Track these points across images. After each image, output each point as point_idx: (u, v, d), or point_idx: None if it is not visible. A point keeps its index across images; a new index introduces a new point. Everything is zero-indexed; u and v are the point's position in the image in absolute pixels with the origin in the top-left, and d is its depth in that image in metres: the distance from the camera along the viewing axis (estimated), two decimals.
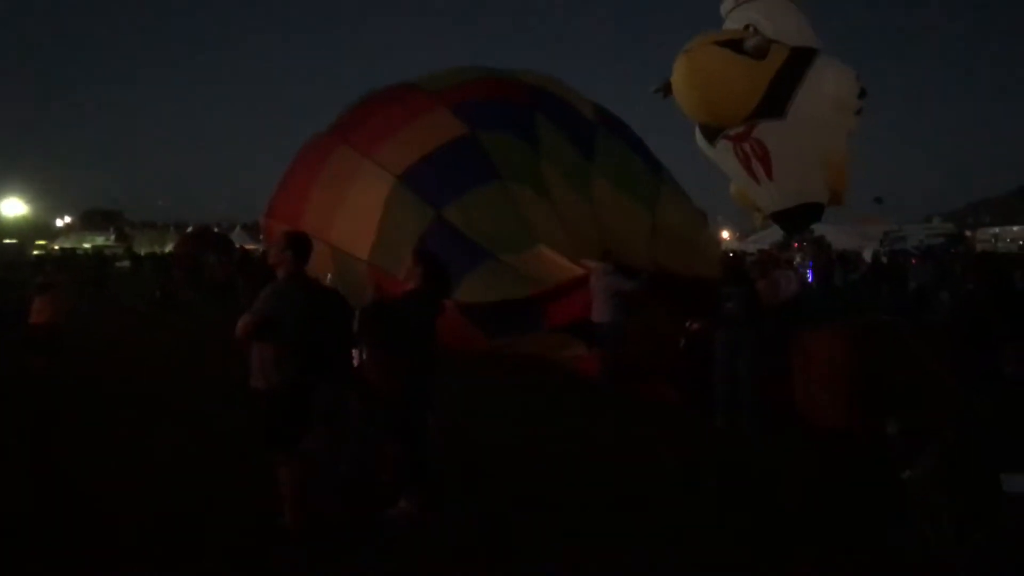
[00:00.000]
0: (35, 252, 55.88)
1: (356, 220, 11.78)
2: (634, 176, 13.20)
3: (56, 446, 7.07)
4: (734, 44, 14.48)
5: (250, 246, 34.48)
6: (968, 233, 53.72)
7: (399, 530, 4.99)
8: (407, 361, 5.28)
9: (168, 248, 52.54)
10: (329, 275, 5.77)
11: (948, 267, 23.35)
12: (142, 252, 53.75)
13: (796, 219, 16.80)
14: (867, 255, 38.91)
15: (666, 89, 15.75)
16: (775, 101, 14.64)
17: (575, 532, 5.05)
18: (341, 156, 12.53)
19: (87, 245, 62.17)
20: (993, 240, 54.66)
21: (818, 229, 27.57)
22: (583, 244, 11.53)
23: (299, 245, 4.98)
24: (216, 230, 57.32)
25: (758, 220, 18.17)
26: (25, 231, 65.66)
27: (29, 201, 72.42)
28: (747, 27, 15.10)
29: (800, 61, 14.81)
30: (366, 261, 11.45)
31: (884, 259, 34.92)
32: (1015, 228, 59.35)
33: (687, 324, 9.55)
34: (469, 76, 14.08)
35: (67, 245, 62.20)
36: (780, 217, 16.74)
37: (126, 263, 44.41)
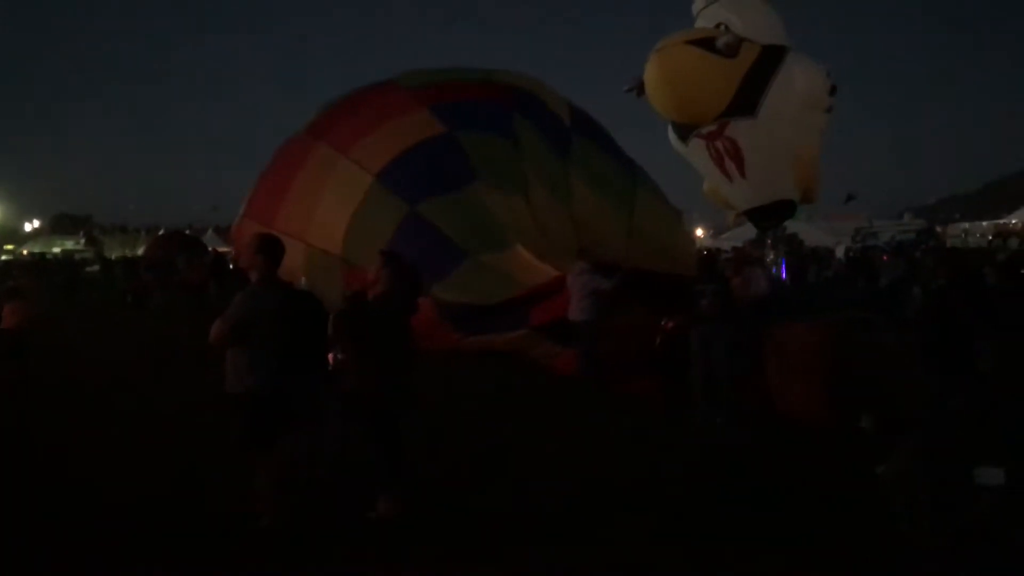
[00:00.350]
0: (3, 257, 55.11)
1: (331, 216, 11.79)
2: (609, 179, 13.32)
3: (27, 452, 6.96)
4: (705, 43, 14.53)
5: (223, 249, 34.20)
6: (939, 229, 54.37)
7: (379, 531, 4.96)
8: (382, 362, 5.25)
9: (139, 252, 52.03)
10: (304, 278, 5.73)
11: (920, 263, 23.62)
12: (113, 256, 53.17)
13: (769, 216, 16.88)
14: (839, 252, 39.28)
15: (639, 88, 15.80)
16: (747, 99, 14.70)
17: (561, 530, 5.06)
18: (318, 155, 12.55)
19: (57, 250, 61.47)
20: (963, 235, 55.44)
21: (791, 226, 27.79)
22: (561, 245, 11.57)
23: (271, 248, 4.95)
24: (188, 232, 56.86)
25: (731, 218, 18.29)
26: None
27: None
28: (719, 25, 15.15)
29: (771, 59, 14.88)
30: (339, 256, 11.43)
31: (856, 255, 35.24)
32: (984, 223, 60.22)
33: (663, 322, 9.59)
34: (448, 76, 14.12)
35: (36, 250, 61.44)
36: (753, 215, 16.81)
37: (96, 267, 43.88)
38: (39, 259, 50.70)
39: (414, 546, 4.82)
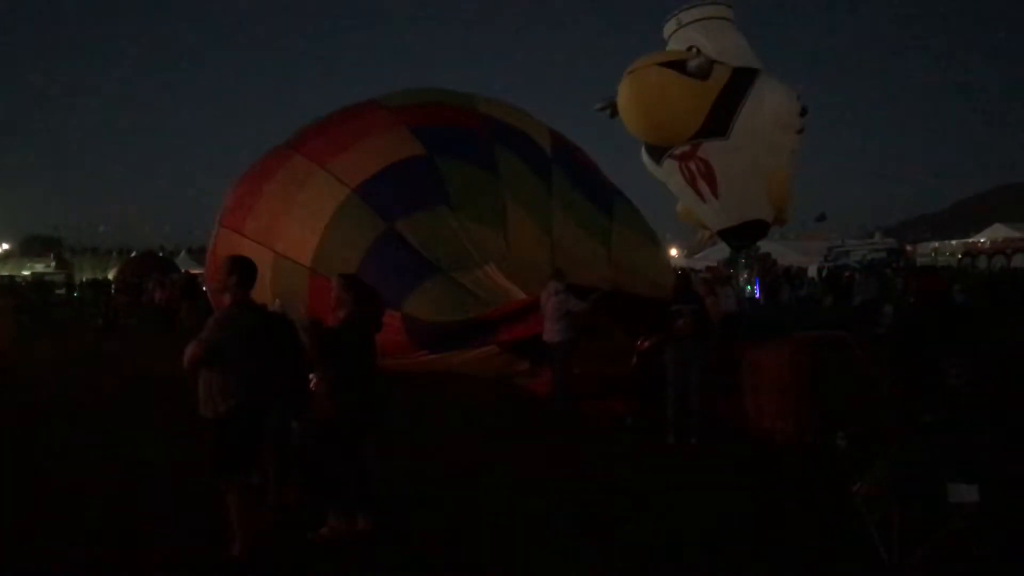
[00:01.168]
0: None
1: (302, 226, 11.80)
2: (586, 212, 13.47)
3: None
4: (678, 65, 14.74)
5: (195, 271, 33.95)
6: (909, 248, 54.98)
7: (354, 552, 4.91)
8: (352, 385, 5.22)
9: (110, 274, 51.53)
10: (277, 300, 5.68)
11: (890, 281, 23.88)
12: (84, 278, 52.55)
13: (742, 236, 17.07)
14: (812, 271, 39.62)
15: (612, 109, 15.96)
16: (719, 120, 14.91)
17: (533, 550, 5.03)
18: (294, 165, 12.59)
19: (27, 272, 60.61)
20: (933, 254, 56.07)
21: (764, 246, 28.02)
22: (538, 274, 11.56)
23: (243, 270, 4.90)
24: (161, 254, 56.37)
25: (704, 237, 18.45)
26: None
27: None
28: (690, 48, 15.38)
29: (742, 81, 15.11)
30: (308, 267, 11.42)
31: (827, 273, 35.57)
32: (954, 242, 61.00)
33: (638, 342, 9.61)
34: (430, 98, 14.16)
35: (5, 273, 60.54)
36: (726, 234, 16.99)
37: (63, 290, 43.37)
38: (7, 282, 50.01)
39: (381, 571, 4.78)
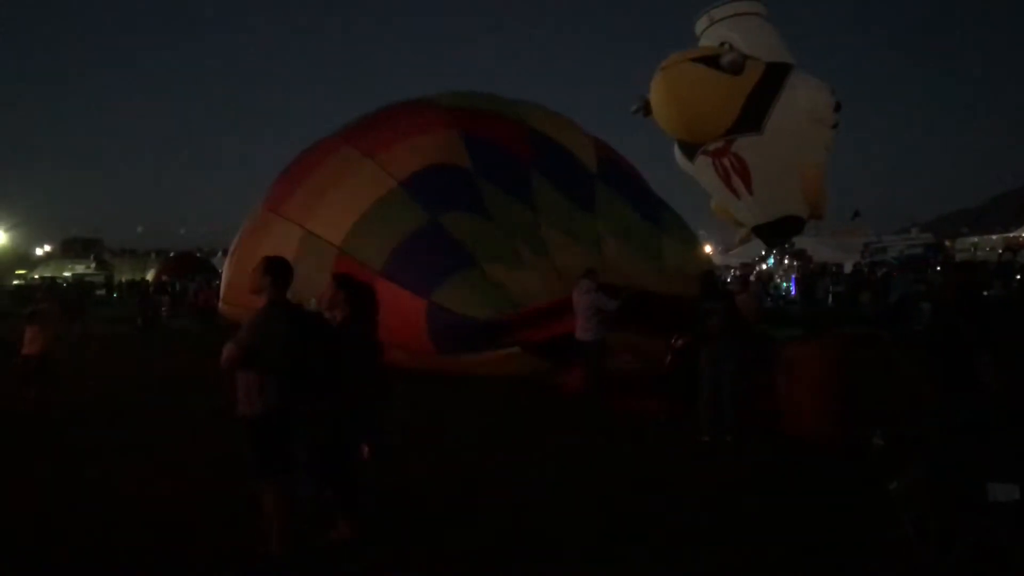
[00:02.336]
0: (15, 282, 55.32)
1: (340, 209, 11.92)
2: (636, 225, 13.45)
3: (47, 476, 6.98)
4: (710, 60, 14.64)
5: None
6: (947, 243, 54.12)
7: (386, 554, 4.95)
8: (355, 384, 5.25)
9: (149, 275, 52.30)
10: (313, 299, 5.73)
11: (928, 277, 23.56)
12: (123, 279, 53.38)
13: (777, 233, 16.94)
14: (848, 267, 39.22)
15: (646, 108, 15.90)
16: (752, 116, 14.79)
17: (563, 550, 5.03)
18: (343, 155, 12.76)
19: (67, 273, 61.65)
20: (972, 249, 55.14)
21: (799, 242, 27.79)
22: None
23: (278, 270, 4.92)
24: (198, 255, 57.11)
25: (742, 235, 18.33)
26: (4, 261, 65.03)
27: (8, 230, 71.91)
28: (722, 44, 15.27)
29: (776, 76, 14.98)
30: (336, 246, 11.51)
31: (865, 270, 35.18)
32: (994, 237, 59.92)
33: (672, 340, 9.58)
34: (480, 104, 14.16)
35: (47, 274, 61.63)
36: (761, 231, 16.87)
37: (103, 291, 44.16)
38: (50, 283, 50.95)
39: (417, 564, 4.82)
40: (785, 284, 27.06)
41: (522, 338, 10.23)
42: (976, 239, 61.34)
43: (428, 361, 10.57)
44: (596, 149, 14.37)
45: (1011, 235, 57.04)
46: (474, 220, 11.83)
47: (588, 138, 14.60)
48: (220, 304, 13.56)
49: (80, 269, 66.02)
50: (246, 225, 13.71)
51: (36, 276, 59.79)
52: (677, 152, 17.20)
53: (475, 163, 12.52)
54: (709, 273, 9.07)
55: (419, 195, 11.83)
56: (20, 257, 73.05)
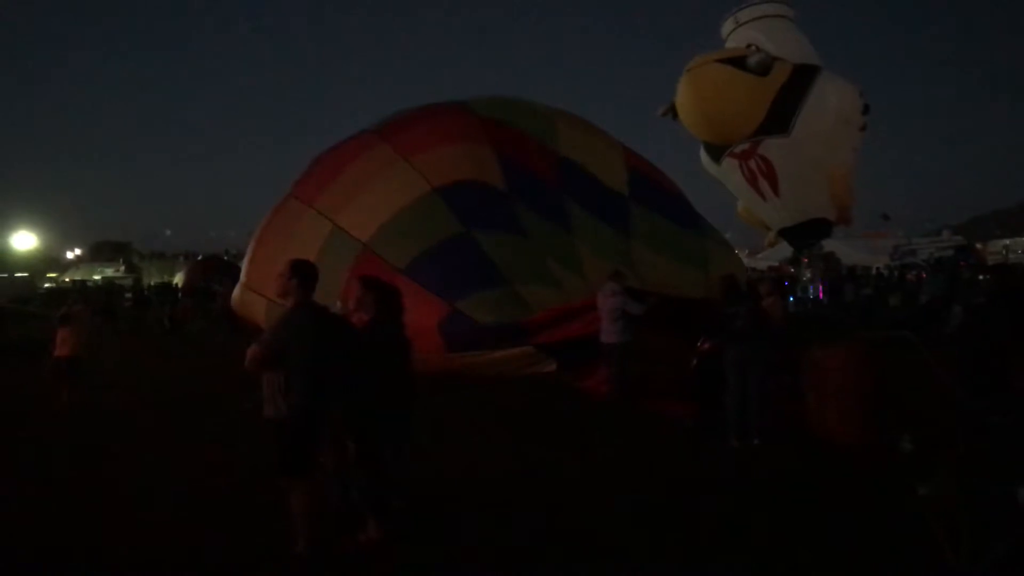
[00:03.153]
0: (46, 285, 56.14)
1: (372, 208, 11.88)
2: (677, 242, 13.33)
3: (77, 475, 7.06)
4: (737, 61, 14.55)
5: None
6: (979, 245, 53.45)
7: (411, 556, 4.96)
8: (383, 386, 5.26)
9: (177, 278, 52.79)
10: (338, 302, 5.75)
11: (959, 280, 23.27)
12: (152, 282, 53.96)
13: (804, 235, 16.80)
14: (877, 269, 38.85)
15: (673, 111, 15.82)
16: (779, 117, 14.69)
17: (589, 551, 5.02)
18: (379, 152, 12.71)
19: (97, 277, 62.45)
20: (1004, 252, 54.43)
21: (828, 244, 27.55)
22: None
23: (305, 273, 4.94)
24: (226, 258, 57.53)
25: (769, 239, 18.20)
26: (35, 264, 65.95)
27: (39, 234, 73.04)
28: (749, 46, 15.17)
29: (803, 77, 14.87)
30: (362, 243, 11.50)
31: (895, 272, 34.84)
32: None
33: (699, 343, 9.52)
34: (514, 118, 13.98)
35: (77, 277, 62.49)
36: (788, 233, 16.75)
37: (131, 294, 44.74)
38: (81, 286, 51.65)
39: (446, 567, 4.82)
40: (812, 287, 26.87)
41: (536, 341, 10.18)
42: (1008, 241, 60.57)
43: (433, 360, 10.45)
44: (627, 164, 14.22)
45: None
46: (508, 238, 11.71)
47: (617, 151, 14.42)
48: (238, 291, 13.32)
49: (109, 272, 66.87)
50: (272, 213, 13.55)
51: (67, 279, 60.65)
52: (703, 155, 17.13)
53: (509, 185, 12.46)
54: (731, 276, 8.99)
55: (455, 205, 11.78)
56: (51, 261, 74.09)
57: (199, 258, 61.11)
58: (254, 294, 12.28)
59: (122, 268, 69.97)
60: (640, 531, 5.39)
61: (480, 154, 12.69)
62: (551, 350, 10.13)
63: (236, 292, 13.17)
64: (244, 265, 13.19)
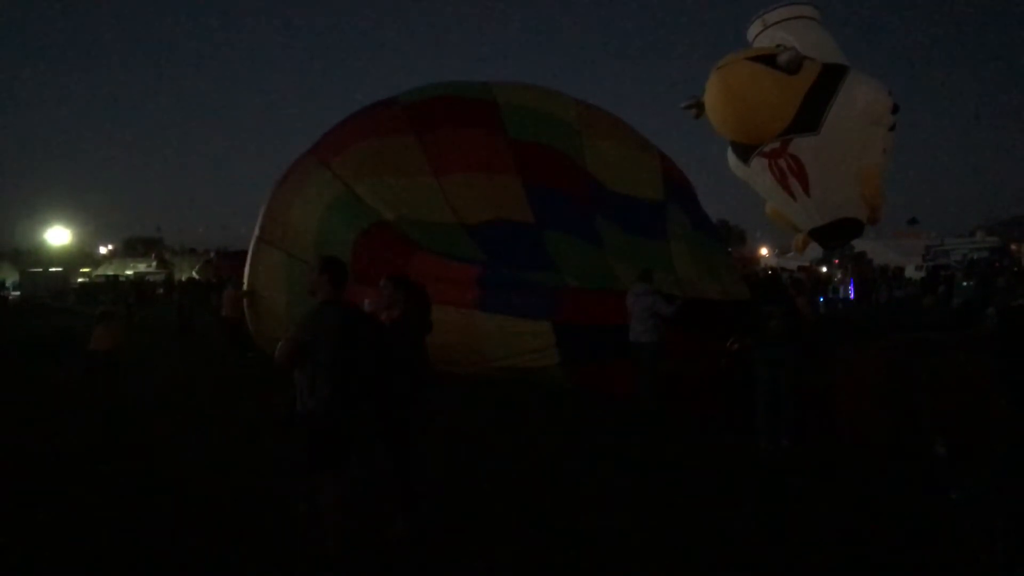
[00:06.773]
0: (80, 280, 56.85)
1: (397, 201, 12.04)
2: (706, 245, 13.58)
3: (115, 464, 7.14)
4: (767, 59, 14.42)
5: None
6: (1014, 246, 52.62)
7: (438, 555, 4.97)
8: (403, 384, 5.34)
9: (195, 272, 53.37)
10: (367, 300, 5.76)
11: (994, 281, 22.95)
12: (183, 278, 54.47)
13: (835, 235, 16.62)
14: (910, 270, 38.42)
15: (698, 108, 15.71)
16: (809, 115, 14.52)
17: (615, 552, 5.00)
18: (406, 146, 12.76)
19: (129, 272, 63.16)
20: None
21: (859, 245, 27.29)
22: None
23: (336, 270, 4.95)
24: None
25: (798, 241, 18.05)
26: (69, 259, 66.82)
27: (73, 229, 74.05)
28: (778, 45, 15.03)
29: (832, 76, 14.70)
30: (390, 222, 11.66)
31: (924, 274, 34.45)
32: None
33: (729, 343, 9.45)
34: (539, 130, 13.83)
35: (110, 272, 63.24)
36: (818, 234, 16.57)
37: (162, 290, 45.41)
38: (114, 281, 52.33)
39: (473, 565, 4.82)
40: (843, 288, 26.62)
41: (561, 318, 10.27)
42: None
43: (461, 323, 10.45)
44: (663, 167, 14.27)
45: None
46: (541, 275, 11.70)
47: (652, 156, 14.44)
48: (253, 244, 13.19)
49: (141, 267, 67.61)
50: (287, 172, 13.52)
51: (100, 275, 61.40)
52: (731, 155, 16.97)
53: (538, 216, 12.46)
54: (774, 274, 8.92)
55: (481, 242, 11.83)
56: (84, 256, 75.05)
57: (212, 254, 61.65)
58: (270, 247, 12.48)
59: (154, 263, 70.69)
60: (673, 531, 5.38)
61: (504, 184, 12.69)
62: (569, 332, 10.16)
63: (251, 246, 13.26)
64: (259, 219, 13.21)
